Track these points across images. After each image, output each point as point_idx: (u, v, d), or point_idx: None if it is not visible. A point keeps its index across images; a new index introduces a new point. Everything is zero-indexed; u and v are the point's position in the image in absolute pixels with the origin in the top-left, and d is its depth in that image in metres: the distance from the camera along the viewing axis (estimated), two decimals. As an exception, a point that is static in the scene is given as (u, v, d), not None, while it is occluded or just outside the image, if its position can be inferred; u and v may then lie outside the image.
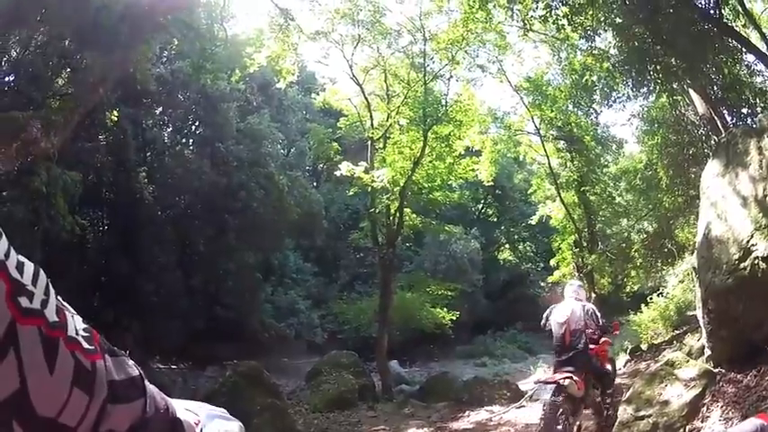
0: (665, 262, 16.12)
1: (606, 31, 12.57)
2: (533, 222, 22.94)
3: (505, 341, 28.73)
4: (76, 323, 0.72)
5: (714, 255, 6.78)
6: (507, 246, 35.92)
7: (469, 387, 14.45)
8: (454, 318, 22.64)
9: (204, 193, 20.97)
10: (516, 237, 35.84)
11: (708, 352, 7.13)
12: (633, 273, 16.73)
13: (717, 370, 6.62)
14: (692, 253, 15.25)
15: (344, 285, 29.49)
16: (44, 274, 0.70)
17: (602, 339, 7.61)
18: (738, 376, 6.24)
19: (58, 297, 0.72)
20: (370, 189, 17.45)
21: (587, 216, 18.35)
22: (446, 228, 24.14)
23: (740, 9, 11.81)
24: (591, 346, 7.30)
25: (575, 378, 6.80)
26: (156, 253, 19.40)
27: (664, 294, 13.70)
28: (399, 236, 18.50)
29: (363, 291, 27.08)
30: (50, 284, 0.70)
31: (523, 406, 11.84)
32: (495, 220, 36.89)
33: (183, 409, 0.90)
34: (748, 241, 6.23)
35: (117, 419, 0.73)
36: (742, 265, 6.23)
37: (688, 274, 13.58)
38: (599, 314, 7.55)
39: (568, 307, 7.30)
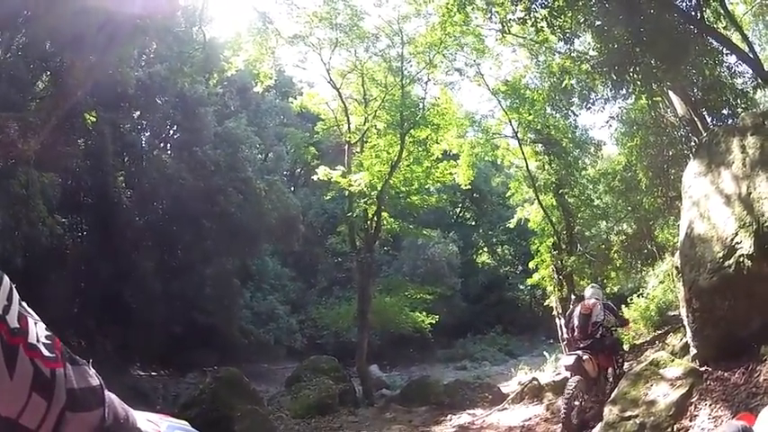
0: (645, 263, 16.21)
1: (585, 33, 12.55)
2: (511, 226, 22.84)
3: (485, 344, 28.76)
4: (38, 330, 0.73)
5: (698, 253, 6.78)
6: (485, 249, 36.02)
7: (451, 390, 14.42)
8: (433, 321, 22.54)
9: (182, 198, 20.74)
10: (494, 240, 35.91)
11: (693, 351, 7.13)
12: (613, 274, 16.73)
13: (703, 369, 6.60)
14: (673, 254, 15.34)
15: (323, 290, 29.40)
16: (8, 280, 0.71)
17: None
18: (726, 374, 6.23)
19: (23, 303, 0.73)
20: (347, 193, 17.38)
21: (566, 218, 18.29)
22: (424, 232, 24.11)
23: (722, 11, 11.83)
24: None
25: (591, 359, 8.55)
26: (134, 259, 19.18)
27: (644, 295, 13.70)
28: (377, 240, 18.50)
29: (342, 295, 26.95)
30: (14, 291, 0.71)
31: (506, 408, 11.82)
32: (474, 223, 37.12)
33: (145, 420, 0.90)
34: (732, 239, 6.23)
35: (76, 427, 0.73)
36: (726, 263, 6.23)
37: (668, 275, 13.58)
38: (616, 309, 9.82)
39: (590, 303, 9.06)
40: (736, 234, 6.23)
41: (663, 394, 6.31)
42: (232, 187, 22.01)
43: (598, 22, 11.43)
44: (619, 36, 11.19)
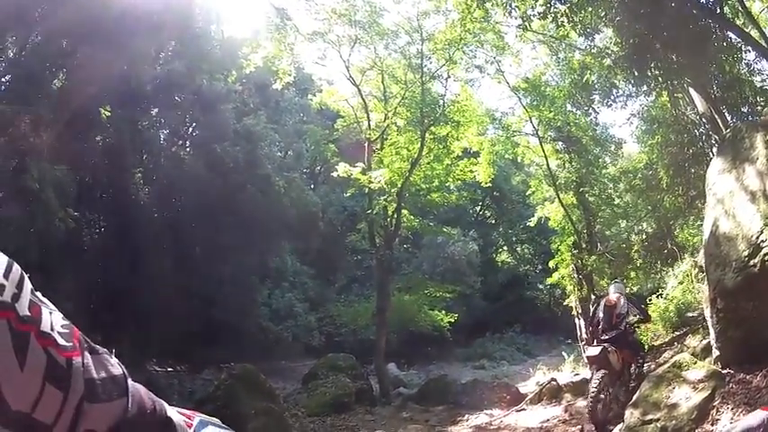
0: (665, 263, 16.01)
1: (606, 28, 12.45)
2: (531, 224, 22.67)
3: (504, 343, 28.58)
4: (54, 319, 0.71)
5: (722, 252, 6.61)
6: (505, 248, 35.87)
7: (468, 390, 14.33)
8: (452, 320, 22.51)
9: (200, 195, 20.71)
10: (514, 239, 35.67)
11: (716, 353, 6.95)
12: (633, 274, 16.54)
13: (725, 371, 6.43)
14: (692, 254, 15.22)
15: (342, 288, 29.37)
16: (19, 268, 0.69)
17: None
18: (748, 377, 6.06)
19: (37, 293, 0.72)
20: (367, 190, 17.34)
21: (586, 217, 18.18)
22: (444, 229, 24.00)
23: (740, 8, 11.68)
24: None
25: (616, 351, 8.83)
26: (152, 255, 19.15)
27: (663, 296, 13.50)
28: (397, 238, 18.45)
29: (361, 293, 26.92)
30: (25, 279, 0.70)
31: (524, 409, 11.69)
32: (494, 222, 37.00)
33: (176, 412, 0.87)
34: (758, 237, 6.06)
35: (95, 419, 0.71)
36: (752, 262, 6.07)
37: (687, 276, 13.59)
38: (639, 303, 10.38)
39: (615, 297, 9.46)
40: (762, 232, 6.06)
41: (685, 397, 6.17)
42: (251, 184, 21.96)
43: (618, 18, 11.26)
44: (639, 31, 11.05)
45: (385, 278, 17.83)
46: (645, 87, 13.16)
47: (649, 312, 11.12)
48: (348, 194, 20.28)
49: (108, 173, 18.86)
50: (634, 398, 6.92)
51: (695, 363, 6.66)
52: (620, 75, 12.78)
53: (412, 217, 19.60)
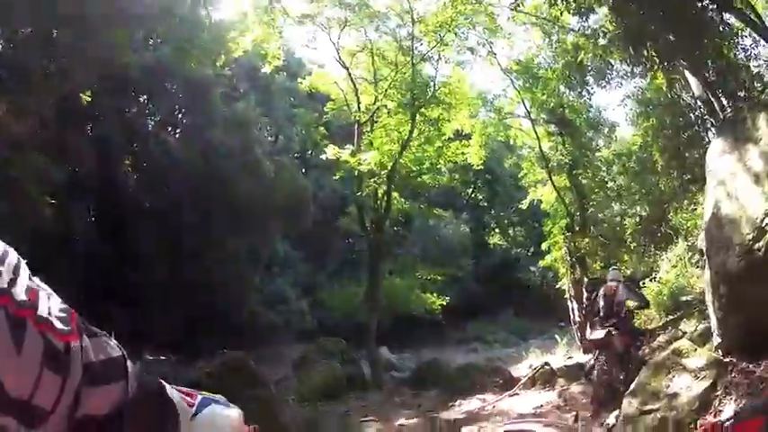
0: (658, 246, 15.99)
1: (601, 7, 12.26)
2: (524, 207, 22.72)
3: (497, 326, 28.64)
4: (51, 303, 0.71)
5: (725, 235, 6.42)
6: (497, 230, 35.87)
7: (461, 374, 14.27)
8: (444, 303, 22.51)
9: (190, 182, 20.50)
10: (506, 221, 35.78)
11: (717, 340, 6.76)
12: (626, 257, 16.47)
13: (727, 359, 6.23)
14: (686, 238, 15.18)
15: (334, 272, 29.30)
16: (15, 254, 0.70)
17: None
18: (751, 366, 5.86)
19: (34, 278, 0.71)
20: (357, 173, 17.19)
21: (579, 200, 18.19)
22: (435, 211, 23.83)
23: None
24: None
25: (619, 335, 9.21)
26: (142, 243, 19.02)
27: (656, 279, 13.50)
28: (387, 220, 18.41)
29: (353, 277, 26.82)
30: (22, 264, 0.70)
31: (517, 394, 11.58)
32: (486, 204, 36.93)
33: (176, 391, 0.88)
34: (763, 219, 5.87)
35: (95, 402, 0.71)
36: (756, 246, 5.88)
37: (681, 259, 13.57)
38: (636, 289, 10.84)
39: (614, 285, 9.80)
40: (767, 215, 5.86)
41: (685, 386, 5.99)
42: (241, 169, 21.77)
43: (612, -1, 11.13)
44: (634, 11, 10.85)
45: (375, 261, 17.86)
46: (640, 68, 13.05)
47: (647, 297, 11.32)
48: (337, 177, 20.01)
49: (96, 162, 18.59)
50: (632, 386, 6.75)
51: (695, 350, 6.47)
52: (616, 54, 12.66)
53: (402, 200, 19.45)
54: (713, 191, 6.92)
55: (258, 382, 11.23)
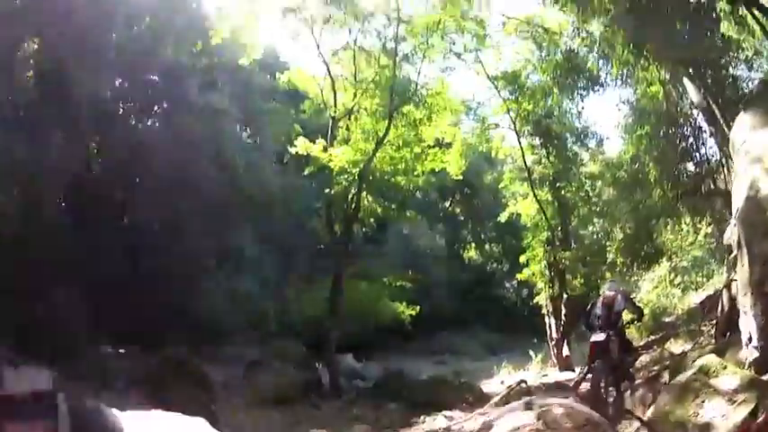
0: (641, 266, 15.74)
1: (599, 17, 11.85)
2: (502, 220, 22.18)
3: (467, 338, 28.42)
4: None
5: None
6: (473, 245, 35.52)
7: (427, 387, 13.55)
8: (414, 313, 22.08)
9: (159, 172, 19.66)
10: (483, 236, 35.58)
11: (752, 353, 5.68)
12: (608, 275, 16.11)
13: (766, 378, 5.19)
14: (670, 258, 14.67)
15: (302, 274, 28.45)
16: None
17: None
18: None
19: None
20: (327, 171, 16.86)
21: (561, 214, 17.81)
22: (408, 214, 23.01)
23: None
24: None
25: (617, 342, 9.00)
26: (103, 233, 18.12)
27: (638, 299, 13.05)
28: (356, 221, 18.03)
29: (322, 280, 26.02)
30: None
31: (487, 414, 10.70)
32: (462, 218, 36.84)
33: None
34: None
35: None
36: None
37: (663, 280, 13.56)
38: (634, 301, 10.54)
39: (611, 295, 9.47)
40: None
41: (720, 414, 4.82)
42: (212, 163, 21.02)
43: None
44: (634, 20, 10.46)
45: (340, 264, 17.49)
46: (635, 75, 12.72)
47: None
48: (306, 173, 19.27)
49: (62, 146, 17.69)
50: (649, 412, 5.76)
51: (725, 367, 5.33)
52: (613, 60, 12.33)
53: (374, 201, 18.80)
54: (747, 170, 6.03)
55: (200, 383, 10.37)
